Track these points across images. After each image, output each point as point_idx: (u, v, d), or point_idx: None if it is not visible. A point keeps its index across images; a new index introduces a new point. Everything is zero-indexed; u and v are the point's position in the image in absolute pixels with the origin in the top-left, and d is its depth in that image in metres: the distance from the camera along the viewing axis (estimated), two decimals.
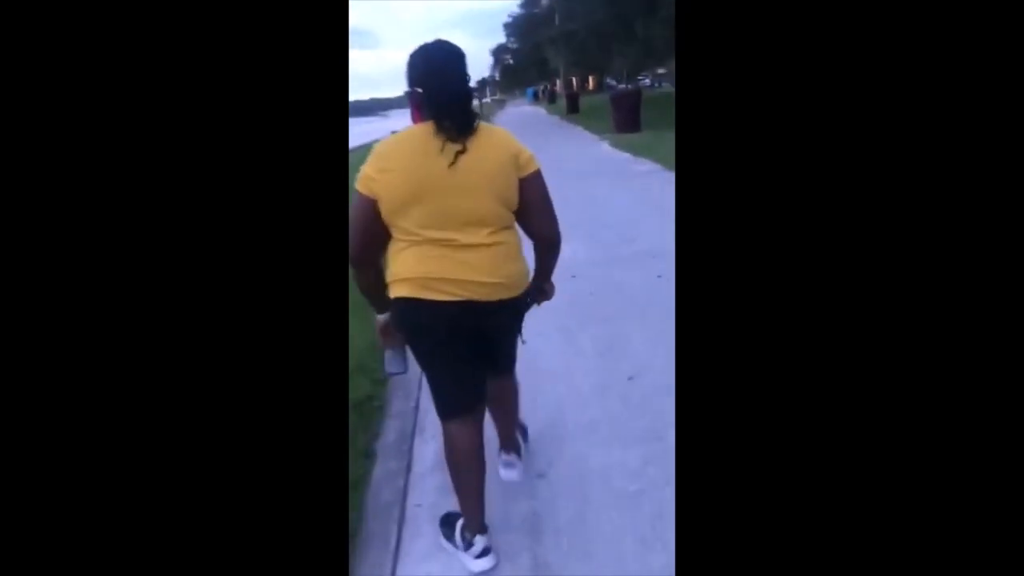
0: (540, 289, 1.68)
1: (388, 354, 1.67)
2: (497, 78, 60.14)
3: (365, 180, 1.37)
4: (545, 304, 1.78)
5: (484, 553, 1.60)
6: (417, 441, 2.27)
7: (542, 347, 2.88)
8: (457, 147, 1.35)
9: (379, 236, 1.41)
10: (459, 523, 1.66)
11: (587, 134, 13.67)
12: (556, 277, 1.73)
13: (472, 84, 1.50)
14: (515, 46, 43.98)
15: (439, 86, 1.37)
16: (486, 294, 1.42)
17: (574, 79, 32.69)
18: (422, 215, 1.36)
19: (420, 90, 1.39)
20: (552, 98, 35.20)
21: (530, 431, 2.19)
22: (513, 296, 1.49)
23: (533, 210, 1.46)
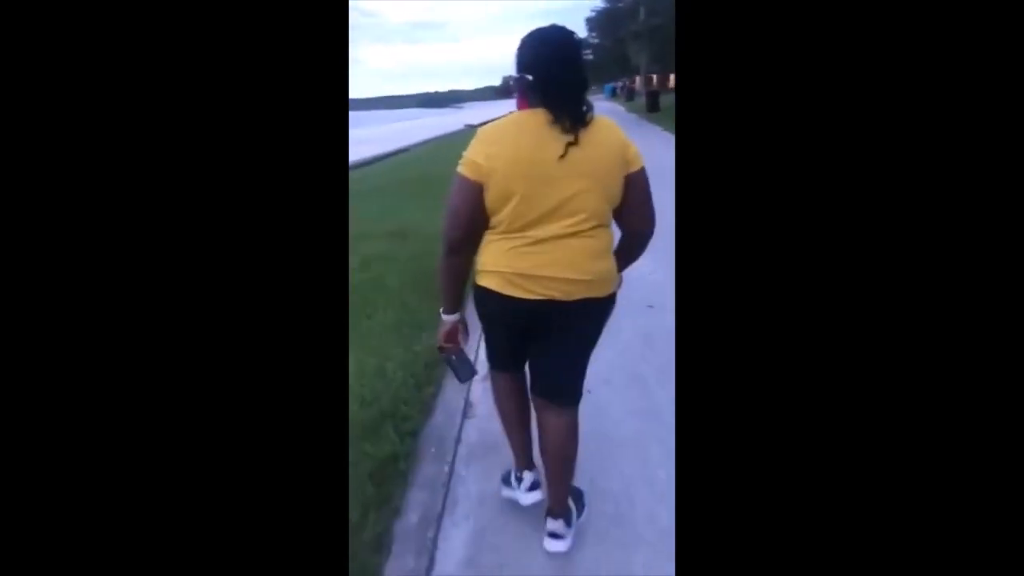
0: None
1: (454, 361, 1.60)
2: None
3: (471, 165, 1.31)
4: (616, 343, 1.77)
5: (533, 487, 1.72)
6: (446, 523, 1.81)
7: (608, 402, 2.36)
8: (569, 138, 1.28)
9: (481, 222, 1.37)
10: (512, 472, 1.81)
11: (667, 135, 12.88)
12: (629, 305, 1.81)
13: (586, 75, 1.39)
14: (596, 41, 43.23)
15: (555, 73, 1.31)
16: (569, 292, 1.37)
17: (654, 76, 31.54)
18: (525, 204, 1.31)
19: (530, 76, 1.32)
20: (630, 95, 34.13)
21: (588, 534, 1.69)
22: (598, 296, 1.42)
23: (635, 206, 1.42)
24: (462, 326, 1.57)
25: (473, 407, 2.43)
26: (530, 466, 1.75)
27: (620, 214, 1.43)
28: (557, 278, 1.35)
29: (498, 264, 1.38)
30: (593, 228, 1.36)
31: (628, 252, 1.53)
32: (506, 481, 1.86)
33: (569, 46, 1.35)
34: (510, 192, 1.30)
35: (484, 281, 1.42)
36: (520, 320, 1.44)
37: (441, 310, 1.53)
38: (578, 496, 1.76)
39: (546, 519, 1.64)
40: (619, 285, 1.56)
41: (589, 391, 1.75)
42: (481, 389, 2.53)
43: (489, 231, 1.39)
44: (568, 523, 1.64)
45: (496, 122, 1.37)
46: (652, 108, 20.69)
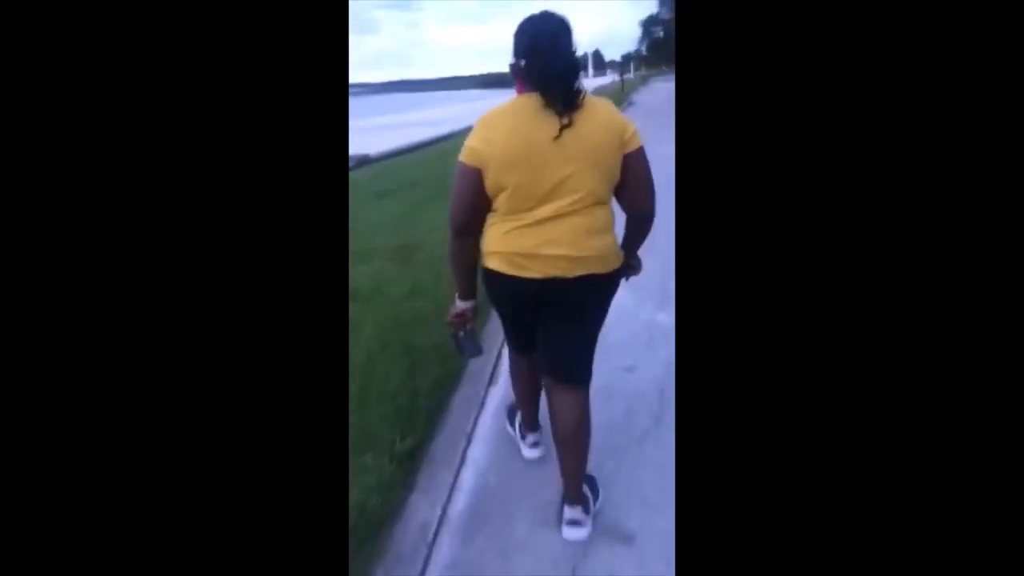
0: (627, 264, 1.61)
1: (462, 337, 1.62)
2: (644, 52, 56.90)
3: (470, 151, 1.36)
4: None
5: (535, 445, 1.95)
6: None
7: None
8: (563, 121, 1.32)
9: (483, 206, 1.41)
10: (519, 416, 1.98)
11: None
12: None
13: (581, 56, 1.44)
14: (668, 17, 41.06)
15: (545, 60, 1.33)
16: (570, 269, 1.41)
17: None
18: (522, 187, 1.35)
19: (523, 62, 1.36)
20: None
21: None
22: (600, 272, 1.45)
23: (634, 186, 1.43)
24: (471, 312, 1.59)
25: None
26: (535, 428, 1.96)
27: (620, 194, 1.45)
28: (558, 256, 1.39)
29: (501, 245, 1.42)
30: (590, 206, 1.38)
31: (632, 234, 1.57)
32: (511, 418, 2.10)
33: (558, 33, 1.35)
34: (508, 175, 1.34)
35: (490, 263, 1.47)
36: (526, 300, 1.48)
37: (456, 295, 1.57)
38: (591, 483, 1.76)
39: (563, 507, 1.64)
40: (634, 268, 1.66)
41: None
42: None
43: (491, 214, 1.43)
44: (586, 511, 1.64)
45: (494, 109, 1.40)
46: None
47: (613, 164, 1.37)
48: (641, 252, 1.64)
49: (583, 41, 1.39)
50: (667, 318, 2.94)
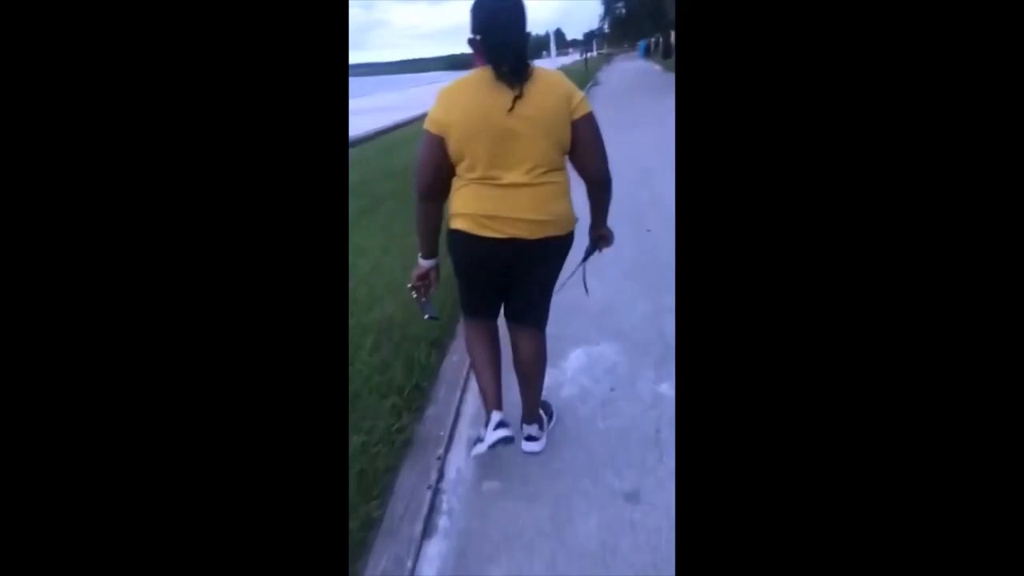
0: (599, 235, 1.77)
1: (423, 300, 1.73)
2: (607, 30, 55.97)
3: (433, 121, 1.47)
4: None
5: (499, 426, 1.71)
6: None
7: None
8: (514, 92, 1.41)
9: (445, 172, 1.52)
10: (483, 422, 1.78)
11: None
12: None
13: (529, 32, 1.47)
14: None
15: (495, 35, 1.43)
16: (531, 232, 1.50)
17: None
18: (481, 154, 1.45)
19: (479, 37, 1.45)
20: (667, 52, 31.10)
21: None
22: (558, 235, 1.55)
23: (584, 150, 1.51)
24: (435, 273, 1.73)
25: None
26: (498, 407, 1.76)
27: (573, 160, 1.53)
28: (521, 219, 1.49)
29: (467, 207, 1.51)
30: (547, 172, 1.48)
31: (594, 202, 1.67)
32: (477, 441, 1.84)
33: (509, 9, 1.44)
34: (467, 143, 1.45)
35: (456, 224, 1.55)
36: (489, 260, 1.57)
37: (420, 255, 1.69)
38: (547, 407, 2.03)
39: (522, 425, 1.90)
40: (606, 239, 1.80)
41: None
42: None
43: (457, 179, 1.52)
44: (541, 427, 1.92)
45: (455, 80, 1.49)
46: None
47: (563, 131, 1.47)
48: (630, 290, 1.47)
49: (545, 20, 1.04)
50: (673, 391, 2.12)
